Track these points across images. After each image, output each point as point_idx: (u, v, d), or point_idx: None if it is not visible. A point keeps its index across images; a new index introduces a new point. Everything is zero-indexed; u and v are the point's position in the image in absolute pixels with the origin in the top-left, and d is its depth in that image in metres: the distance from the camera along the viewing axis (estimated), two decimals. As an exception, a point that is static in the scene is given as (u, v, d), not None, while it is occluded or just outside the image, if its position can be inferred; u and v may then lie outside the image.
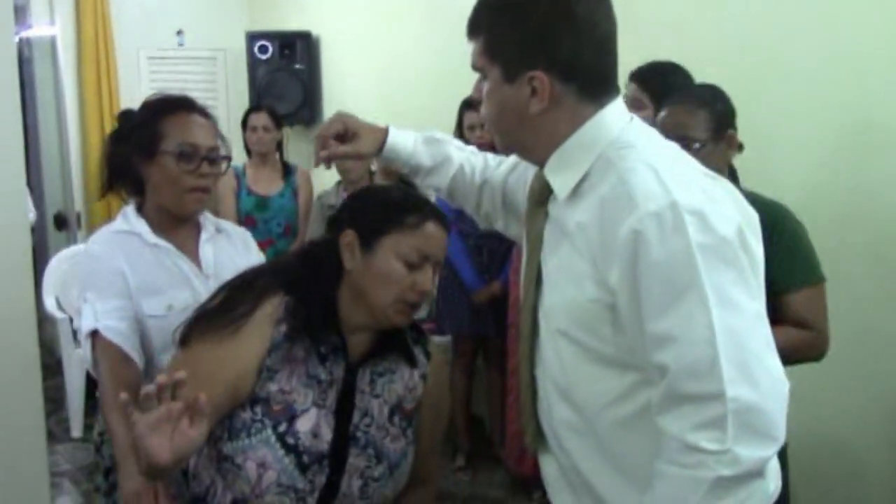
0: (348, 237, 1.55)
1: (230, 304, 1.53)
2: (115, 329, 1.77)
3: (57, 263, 4.42)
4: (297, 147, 5.61)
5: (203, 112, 1.93)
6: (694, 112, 2.07)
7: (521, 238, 1.64)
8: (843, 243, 2.71)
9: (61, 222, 5.36)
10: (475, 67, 1.38)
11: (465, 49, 1.38)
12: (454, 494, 3.89)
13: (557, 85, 1.30)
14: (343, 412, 1.57)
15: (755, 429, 1.15)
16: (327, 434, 1.54)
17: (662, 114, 2.13)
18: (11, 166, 2.62)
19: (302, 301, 1.55)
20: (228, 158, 1.96)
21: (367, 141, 1.64)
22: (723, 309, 1.16)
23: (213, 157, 1.89)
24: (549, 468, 1.51)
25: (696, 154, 1.94)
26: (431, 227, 1.55)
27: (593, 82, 1.32)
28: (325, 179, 4.40)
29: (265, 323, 1.52)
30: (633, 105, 2.63)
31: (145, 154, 1.86)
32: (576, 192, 1.32)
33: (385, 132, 1.66)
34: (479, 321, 3.90)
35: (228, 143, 1.99)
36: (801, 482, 2.64)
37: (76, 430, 4.38)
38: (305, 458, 1.51)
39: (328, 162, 1.64)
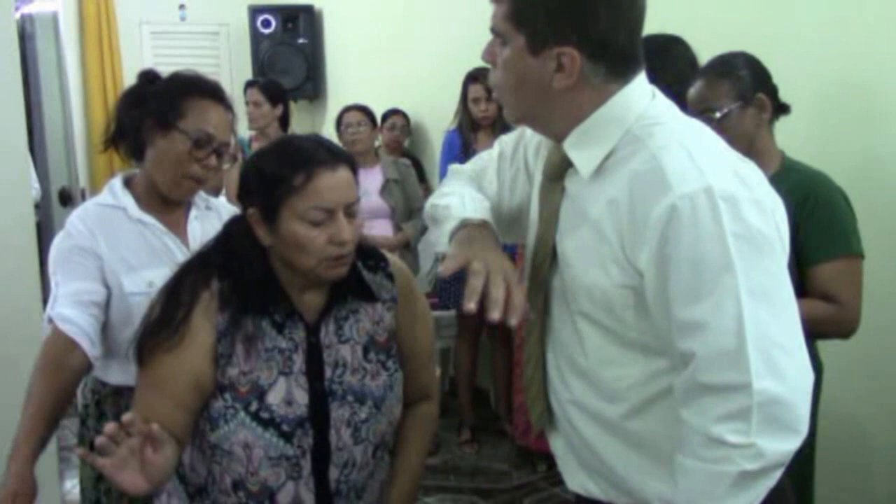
0: (253, 215, 1.53)
1: (167, 311, 1.53)
2: (65, 315, 1.75)
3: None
4: (301, 121, 5.60)
5: (229, 106, 1.90)
6: (714, 83, 2.06)
7: (520, 215, 1.57)
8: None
9: (66, 198, 5.37)
10: (494, 31, 1.29)
11: (470, 21, 1.32)
12: (459, 467, 3.91)
13: (586, 63, 1.23)
14: (314, 371, 1.56)
15: (779, 422, 1.13)
16: (302, 397, 1.54)
17: (690, 90, 2.10)
18: (15, 142, 2.62)
19: (236, 283, 1.54)
20: (235, 158, 1.93)
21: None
22: (753, 299, 1.13)
23: (222, 152, 1.86)
24: (558, 444, 1.50)
25: (721, 122, 1.99)
26: (321, 179, 1.46)
27: (622, 62, 1.27)
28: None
29: (206, 316, 1.52)
30: None
31: (160, 124, 1.83)
32: (600, 169, 1.28)
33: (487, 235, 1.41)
34: (484, 296, 3.89)
35: (238, 143, 1.98)
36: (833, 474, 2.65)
37: (84, 405, 4.41)
38: (285, 427, 1.52)
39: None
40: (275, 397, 1.53)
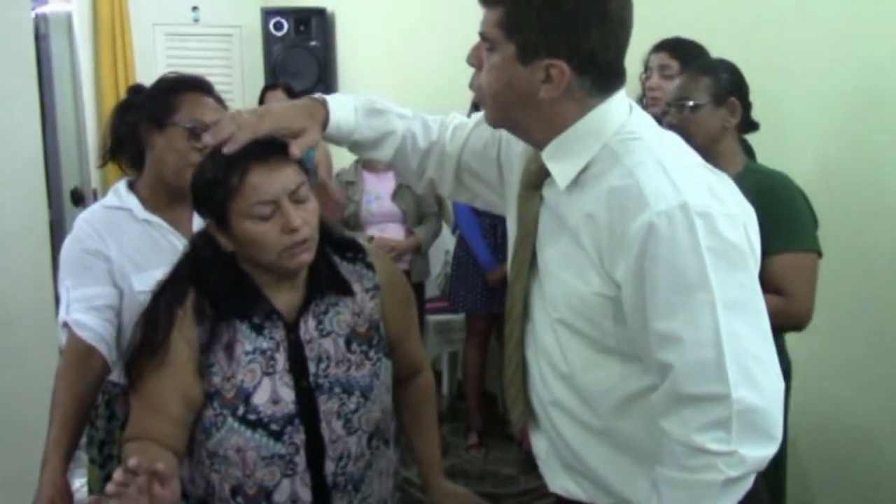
0: (210, 224, 1.54)
1: (147, 334, 1.54)
2: (80, 322, 1.78)
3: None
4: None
5: (218, 98, 1.92)
6: (697, 77, 2.19)
7: (476, 202, 1.67)
8: (854, 214, 2.69)
9: (78, 198, 5.39)
10: (484, 36, 1.30)
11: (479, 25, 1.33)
12: (467, 472, 3.91)
13: (574, 76, 1.25)
14: (298, 368, 1.57)
15: (758, 429, 1.17)
16: (288, 395, 1.55)
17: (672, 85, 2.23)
18: (28, 143, 2.64)
19: (210, 294, 1.55)
20: None
21: (312, 132, 1.51)
22: (728, 312, 1.17)
23: None
24: (540, 444, 1.52)
25: (692, 113, 2.14)
26: (255, 174, 1.45)
27: (607, 77, 1.29)
28: (343, 158, 4.39)
29: (184, 332, 1.53)
30: (661, 72, 2.66)
31: (155, 123, 1.86)
32: (577, 181, 1.31)
33: (324, 111, 1.53)
34: (493, 300, 3.90)
35: None
36: (818, 468, 2.65)
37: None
38: (274, 427, 1.54)
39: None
40: (260, 398, 1.54)
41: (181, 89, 1.88)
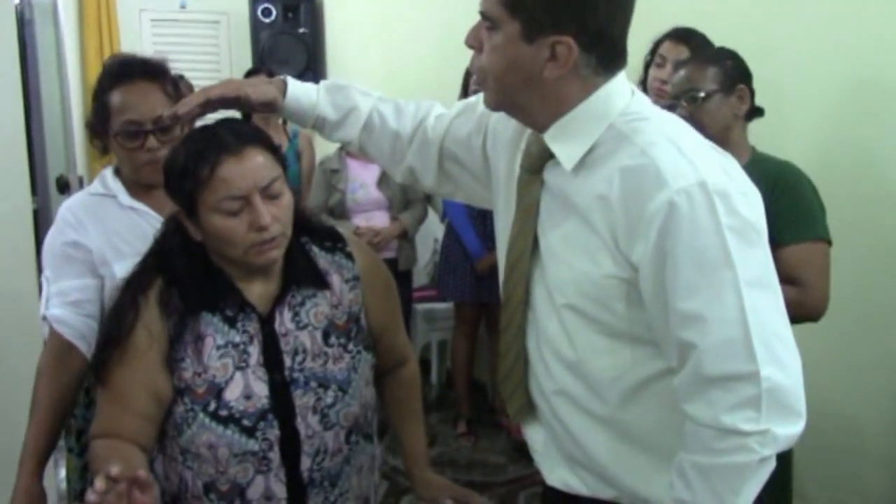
0: (180, 212, 1.51)
1: (112, 327, 1.52)
2: (59, 317, 1.77)
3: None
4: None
5: (150, 75, 1.80)
6: (703, 67, 2.17)
7: (459, 194, 1.65)
8: (850, 202, 2.69)
9: (63, 186, 5.35)
10: (485, 16, 1.27)
11: (472, 12, 1.30)
12: (455, 461, 3.91)
13: (580, 53, 1.23)
14: (272, 362, 1.54)
15: (786, 406, 1.16)
16: (262, 389, 1.52)
17: (675, 76, 2.21)
18: (12, 130, 2.60)
19: (177, 284, 1.52)
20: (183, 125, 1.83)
21: (255, 91, 1.52)
22: (750, 289, 1.15)
23: (162, 127, 1.77)
24: (537, 438, 1.49)
25: (704, 103, 2.12)
26: (226, 167, 1.41)
27: (613, 54, 1.27)
28: (327, 145, 4.37)
29: (151, 324, 1.50)
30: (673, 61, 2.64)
31: (101, 131, 1.82)
32: (582, 162, 1.29)
33: (283, 83, 1.55)
34: (482, 288, 3.89)
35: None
36: (805, 457, 2.64)
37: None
38: (246, 422, 1.50)
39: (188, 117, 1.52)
40: (232, 393, 1.50)
41: (111, 86, 1.79)
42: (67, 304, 1.79)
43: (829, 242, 2.10)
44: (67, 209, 1.87)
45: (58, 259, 1.82)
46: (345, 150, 4.17)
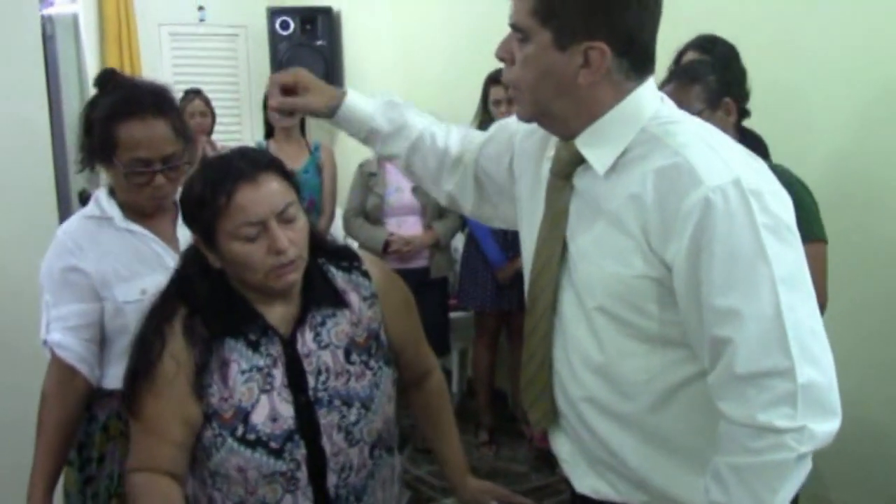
0: (198, 241, 1.53)
1: (139, 359, 1.53)
2: (59, 342, 1.79)
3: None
4: (320, 123, 5.59)
5: (159, 110, 1.78)
6: (687, 87, 2.16)
7: (497, 218, 1.68)
8: (877, 205, 2.67)
9: (85, 200, 5.39)
10: (515, 27, 1.27)
11: (488, 22, 1.31)
12: (477, 469, 3.88)
13: (613, 58, 1.24)
14: (297, 383, 1.56)
15: (822, 403, 1.15)
16: (287, 411, 1.54)
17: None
18: (37, 145, 2.63)
19: (199, 311, 1.54)
20: (189, 163, 1.83)
21: (319, 97, 1.59)
22: (785, 286, 1.16)
23: (171, 165, 1.78)
24: (563, 446, 1.49)
25: None
26: (242, 195, 1.44)
27: (643, 58, 1.28)
28: (357, 152, 4.38)
29: (178, 353, 1.52)
30: None
31: (103, 158, 1.81)
32: (614, 166, 1.29)
33: (343, 94, 1.60)
34: (503, 297, 3.89)
35: (195, 142, 1.90)
36: (827, 462, 2.62)
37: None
38: (273, 444, 1.52)
39: (278, 111, 1.63)
40: (258, 417, 1.52)
41: (118, 119, 1.76)
42: (68, 330, 1.80)
43: (825, 241, 2.12)
44: (65, 234, 1.86)
45: (57, 284, 1.82)
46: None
